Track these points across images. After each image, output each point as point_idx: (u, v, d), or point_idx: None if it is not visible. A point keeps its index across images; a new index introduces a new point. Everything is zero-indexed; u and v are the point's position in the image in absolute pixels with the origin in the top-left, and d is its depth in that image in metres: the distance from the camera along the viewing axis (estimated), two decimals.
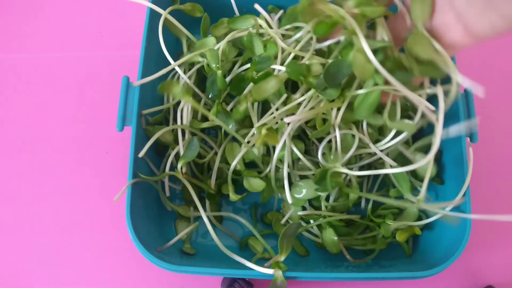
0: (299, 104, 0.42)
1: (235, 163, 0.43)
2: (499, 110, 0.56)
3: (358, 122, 0.44)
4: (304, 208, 0.45)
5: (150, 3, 0.46)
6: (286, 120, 0.39)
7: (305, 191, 0.44)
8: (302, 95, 0.42)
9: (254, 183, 0.44)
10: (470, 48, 0.57)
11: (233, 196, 0.44)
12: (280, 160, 0.44)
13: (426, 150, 0.44)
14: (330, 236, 0.44)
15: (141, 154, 0.42)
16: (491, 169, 0.53)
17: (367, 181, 0.49)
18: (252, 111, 0.44)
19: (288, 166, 0.43)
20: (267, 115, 0.43)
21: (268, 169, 0.44)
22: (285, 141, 0.42)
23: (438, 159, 0.46)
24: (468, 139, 0.43)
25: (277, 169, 0.45)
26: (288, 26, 0.46)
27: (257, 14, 0.51)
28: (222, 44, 0.45)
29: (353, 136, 0.43)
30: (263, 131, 0.38)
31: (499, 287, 0.48)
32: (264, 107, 0.47)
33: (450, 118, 0.45)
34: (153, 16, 0.47)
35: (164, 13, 0.46)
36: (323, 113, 0.42)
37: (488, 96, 0.55)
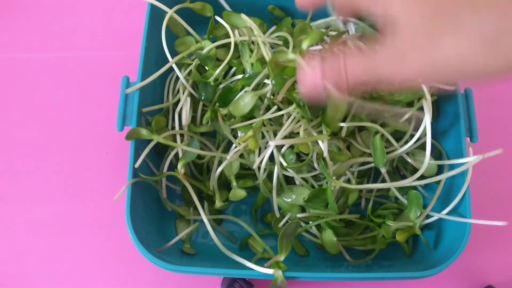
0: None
1: (218, 172, 0.44)
2: (499, 110, 0.56)
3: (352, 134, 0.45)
4: (303, 209, 0.45)
5: (154, 0, 0.46)
6: (271, 143, 0.41)
7: (294, 196, 0.44)
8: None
9: (238, 193, 0.44)
10: None
11: (218, 203, 0.44)
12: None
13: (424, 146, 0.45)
14: (329, 237, 0.44)
15: (137, 165, 0.42)
16: (491, 169, 0.53)
17: (367, 181, 0.49)
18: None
19: (279, 178, 0.44)
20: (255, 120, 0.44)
21: (260, 179, 0.44)
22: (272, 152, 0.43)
23: (437, 159, 0.46)
24: (468, 139, 0.43)
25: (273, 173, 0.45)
26: (276, 34, 0.48)
27: (257, 15, 0.51)
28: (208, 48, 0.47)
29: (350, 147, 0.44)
30: (250, 132, 0.40)
31: (499, 287, 0.48)
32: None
33: (450, 118, 0.45)
34: (154, 15, 0.47)
35: (170, 12, 0.46)
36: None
37: (488, 96, 0.56)
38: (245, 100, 0.43)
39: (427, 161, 0.41)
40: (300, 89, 0.29)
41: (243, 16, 0.45)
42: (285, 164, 0.43)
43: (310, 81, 0.28)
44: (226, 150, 0.47)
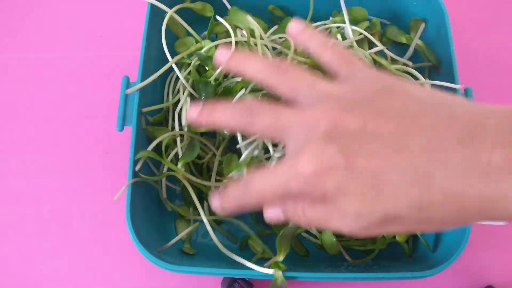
0: None
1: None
2: None
3: None
4: None
5: (154, 0, 0.46)
6: (276, 155, 0.41)
7: None
8: None
9: None
10: (471, 46, 0.58)
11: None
12: None
13: None
14: (328, 237, 0.44)
15: (137, 168, 0.42)
16: None
17: None
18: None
19: None
20: None
21: None
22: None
23: None
24: None
25: None
26: (274, 36, 0.48)
27: (257, 15, 0.51)
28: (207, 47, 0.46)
29: None
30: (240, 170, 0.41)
31: (499, 287, 0.48)
32: None
33: None
34: (154, 15, 0.47)
35: (170, 12, 0.46)
36: None
37: (488, 96, 0.55)
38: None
39: None
40: (265, 218, 0.31)
41: (249, 18, 0.45)
42: None
43: (273, 218, 0.31)
44: (226, 150, 0.47)
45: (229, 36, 0.49)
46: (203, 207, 0.44)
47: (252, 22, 0.44)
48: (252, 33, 0.48)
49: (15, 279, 0.49)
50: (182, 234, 0.45)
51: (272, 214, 0.30)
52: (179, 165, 0.43)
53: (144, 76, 0.44)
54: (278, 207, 0.30)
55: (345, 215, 0.27)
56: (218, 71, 0.46)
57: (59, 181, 0.52)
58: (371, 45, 0.50)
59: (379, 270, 0.44)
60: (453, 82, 0.45)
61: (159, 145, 0.44)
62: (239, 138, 0.44)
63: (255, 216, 0.49)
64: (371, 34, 0.49)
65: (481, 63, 0.58)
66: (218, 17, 0.48)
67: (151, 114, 0.46)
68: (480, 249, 0.50)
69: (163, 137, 0.43)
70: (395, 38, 0.52)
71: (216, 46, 0.48)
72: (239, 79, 0.47)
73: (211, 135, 0.49)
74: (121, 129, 0.43)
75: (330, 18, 0.51)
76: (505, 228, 0.51)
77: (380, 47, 0.48)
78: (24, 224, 0.51)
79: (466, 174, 0.23)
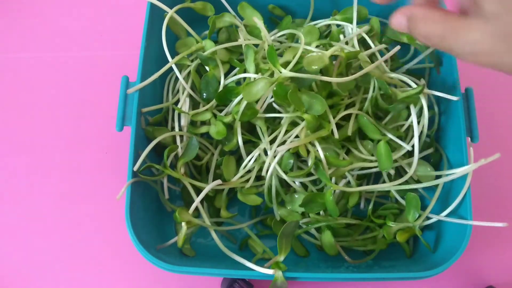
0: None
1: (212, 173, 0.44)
2: (499, 110, 0.56)
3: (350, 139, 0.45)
4: (303, 213, 0.45)
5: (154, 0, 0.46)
6: (279, 148, 0.41)
7: (295, 204, 0.45)
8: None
9: (250, 199, 0.44)
10: None
11: (224, 213, 0.44)
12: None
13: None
14: (328, 238, 0.44)
15: (136, 167, 0.42)
16: (492, 169, 0.52)
17: (367, 182, 0.49)
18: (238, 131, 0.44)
19: (282, 185, 0.45)
20: None
21: (264, 186, 0.44)
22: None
23: (438, 159, 0.46)
24: (469, 139, 0.43)
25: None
26: (281, 33, 0.48)
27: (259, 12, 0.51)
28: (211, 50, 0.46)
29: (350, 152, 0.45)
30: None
31: (499, 287, 0.48)
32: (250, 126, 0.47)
33: (451, 118, 0.45)
34: (154, 15, 0.47)
35: (171, 12, 0.46)
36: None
37: (488, 96, 0.55)
38: (258, 86, 0.41)
39: (414, 165, 0.42)
40: (390, 24, 0.33)
41: (256, 20, 0.45)
42: (283, 174, 0.43)
43: (398, 26, 0.32)
44: (225, 150, 0.47)
45: (229, 33, 0.49)
46: (202, 207, 0.44)
47: (261, 26, 0.44)
48: (255, 32, 0.48)
49: (14, 279, 0.49)
50: (182, 234, 0.45)
51: (398, 22, 0.32)
52: (179, 164, 0.43)
53: (143, 76, 0.44)
54: (405, 18, 0.31)
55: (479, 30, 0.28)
56: (222, 73, 0.46)
57: (59, 181, 0.52)
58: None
59: (379, 271, 0.44)
60: (453, 81, 0.44)
61: (158, 145, 0.44)
62: (240, 139, 0.44)
63: (255, 217, 0.49)
64: (370, 36, 0.49)
65: None
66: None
67: (150, 114, 0.46)
68: (481, 249, 0.50)
69: (163, 137, 0.43)
70: (395, 37, 0.52)
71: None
72: (238, 77, 0.46)
73: (210, 136, 0.49)
74: (121, 129, 0.43)
75: (331, 18, 0.51)
76: (505, 229, 0.50)
77: (380, 46, 0.47)
78: (23, 224, 0.51)
79: None
